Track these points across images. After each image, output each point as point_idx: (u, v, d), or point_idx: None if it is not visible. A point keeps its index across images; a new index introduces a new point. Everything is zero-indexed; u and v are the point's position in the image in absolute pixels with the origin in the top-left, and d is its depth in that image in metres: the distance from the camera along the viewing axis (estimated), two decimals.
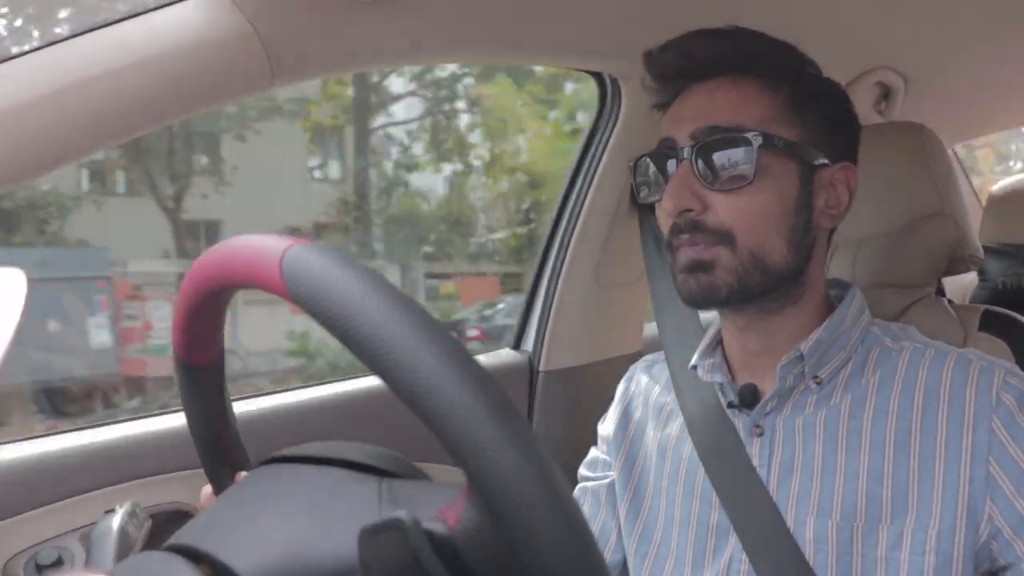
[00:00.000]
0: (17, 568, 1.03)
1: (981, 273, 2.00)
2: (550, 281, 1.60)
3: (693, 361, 0.99)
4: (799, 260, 0.88)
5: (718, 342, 0.99)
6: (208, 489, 0.72)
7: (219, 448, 0.66)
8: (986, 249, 1.59)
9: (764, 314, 0.90)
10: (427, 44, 1.15)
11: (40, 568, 1.03)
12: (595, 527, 1.07)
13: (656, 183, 0.92)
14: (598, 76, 1.47)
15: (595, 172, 1.52)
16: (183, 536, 0.49)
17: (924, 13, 1.44)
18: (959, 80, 1.81)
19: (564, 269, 1.57)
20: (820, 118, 0.89)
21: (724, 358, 0.97)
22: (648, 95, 0.95)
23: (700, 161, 0.85)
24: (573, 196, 1.56)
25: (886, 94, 1.68)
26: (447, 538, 0.41)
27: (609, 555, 1.05)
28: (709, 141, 0.85)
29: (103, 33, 0.85)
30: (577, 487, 1.13)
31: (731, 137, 0.84)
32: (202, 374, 0.60)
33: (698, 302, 0.89)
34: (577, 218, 1.55)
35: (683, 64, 0.90)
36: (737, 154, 0.84)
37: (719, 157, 0.85)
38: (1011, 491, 0.79)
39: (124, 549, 0.62)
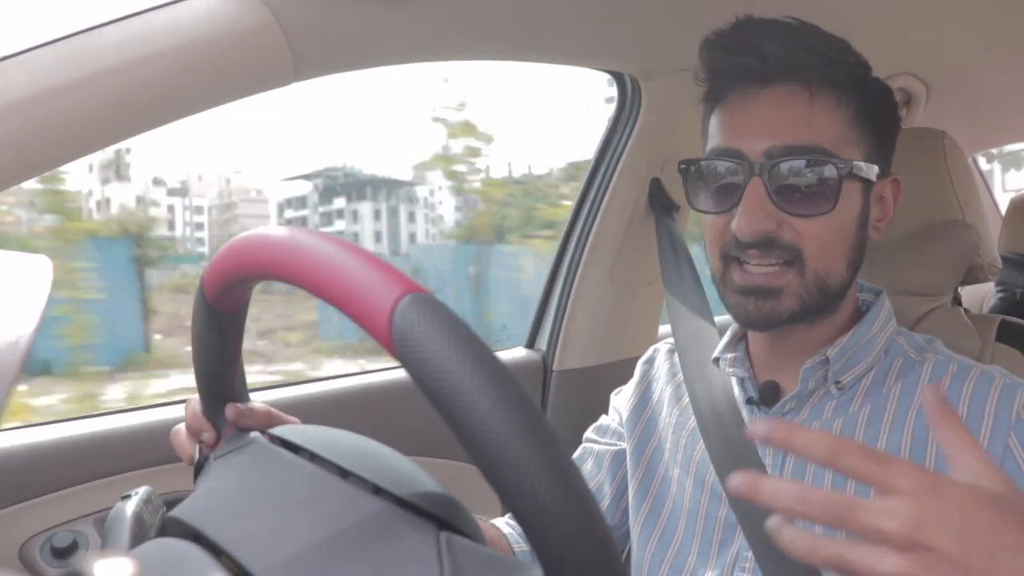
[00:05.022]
0: (33, 550, 1.04)
1: (999, 283, 1.99)
2: (565, 281, 1.60)
3: (715, 353, 0.99)
4: (851, 278, 0.87)
5: (742, 336, 0.98)
6: (194, 403, 0.72)
7: (224, 386, 0.67)
8: (1004, 259, 1.58)
9: (801, 324, 0.88)
10: (449, 42, 1.15)
11: (55, 551, 1.05)
12: (591, 486, 1.07)
13: (717, 193, 0.86)
14: (618, 76, 1.47)
15: (613, 173, 1.52)
16: (195, 513, 0.48)
17: (947, 20, 1.43)
18: (981, 88, 1.80)
19: (579, 269, 1.57)
20: (876, 131, 0.88)
21: (747, 353, 0.96)
22: (698, 86, 0.91)
23: (776, 182, 0.81)
24: (590, 196, 1.56)
25: (907, 100, 1.68)
26: None
27: None
28: (788, 163, 0.81)
29: (127, 23, 0.86)
30: (580, 447, 1.13)
31: (814, 160, 0.81)
32: (226, 318, 0.60)
33: (755, 326, 0.87)
34: (594, 218, 1.55)
35: (756, 65, 0.84)
36: (819, 180, 0.81)
37: (799, 180, 0.81)
38: None
39: (139, 535, 0.62)
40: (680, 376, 1.06)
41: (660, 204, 1.51)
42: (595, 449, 1.10)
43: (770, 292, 0.83)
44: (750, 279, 0.84)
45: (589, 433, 1.14)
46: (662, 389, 1.07)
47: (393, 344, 0.41)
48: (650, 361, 1.13)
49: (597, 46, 1.31)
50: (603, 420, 1.14)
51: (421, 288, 0.42)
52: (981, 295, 2.08)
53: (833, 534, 0.80)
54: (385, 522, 0.47)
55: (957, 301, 1.19)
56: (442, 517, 0.49)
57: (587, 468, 1.10)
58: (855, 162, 0.83)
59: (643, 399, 1.08)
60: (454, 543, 0.47)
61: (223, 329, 0.60)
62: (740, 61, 0.85)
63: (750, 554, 0.87)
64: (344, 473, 0.51)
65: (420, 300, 0.41)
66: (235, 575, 0.44)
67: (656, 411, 1.06)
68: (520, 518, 0.39)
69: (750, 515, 0.87)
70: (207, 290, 0.56)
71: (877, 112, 0.88)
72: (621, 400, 1.12)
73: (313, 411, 1.32)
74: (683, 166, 0.90)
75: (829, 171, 0.81)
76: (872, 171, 0.86)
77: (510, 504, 0.39)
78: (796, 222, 0.82)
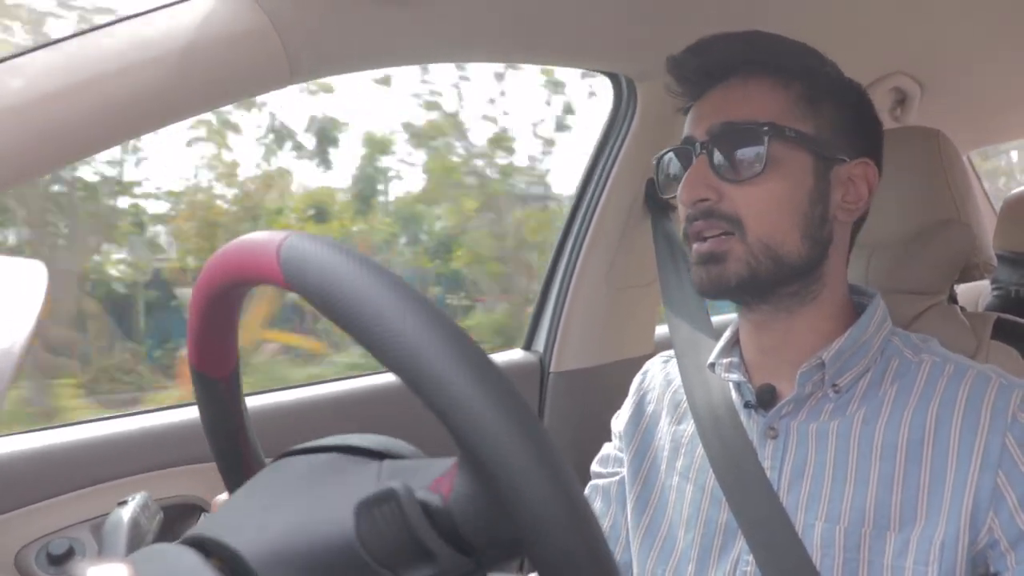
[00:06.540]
0: (29, 557, 1.04)
1: (994, 281, 1.99)
2: (562, 282, 1.60)
3: (711, 359, 1.00)
4: (814, 253, 0.89)
5: (736, 341, 0.99)
6: (223, 497, 0.71)
7: (237, 456, 0.66)
8: (999, 257, 1.58)
9: (781, 312, 0.91)
10: (444, 44, 1.15)
11: (52, 558, 1.04)
12: (605, 525, 1.08)
13: (676, 178, 0.95)
14: (613, 77, 1.47)
15: (609, 173, 1.52)
16: (196, 530, 0.49)
17: (941, 20, 1.44)
18: (975, 87, 1.81)
19: (576, 270, 1.57)
20: (837, 115, 0.90)
21: (742, 358, 0.97)
22: (672, 99, 0.97)
23: (714, 154, 0.88)
24: (587, 197, 1.56)
25: (902, 100, 1.68)
26: (441, 508, 0.42)
27: (620, 553, 1.05)
28: (722, 135, 0.88)
29: (123, 27, 0.86)
30: (588, 484, 1.13)
31: (742, 130, 0.87)
32: (219, 386, 0.60)
33: (709, 292, 0.90)
34: (590, 219, 1.55)
35: (699, 64, 0.92)
36: (748, 146, 0.87)
37: (731, 150, 0.87)
38: (1014, 506, 0.79)
39: (136, 541, 0.62)
40: (676, 384, 1.06)
41: (656, 205, 1.51)
42: (600, 484, 1.10)
43: (717, 257, 0.88)
44: (701, 248, 0.89)
45: (594, 466, 1.14)
46: (658, 399, 1.08)
47: (283, 276, 0.43)
48: (645, 373, 1.14)
49: (592, 47, 1.31)
50: (605, 449, 1.14)
51: (301, 232, 0.45)
52: (976, 293, 2.09)
53: (856, 537, 0.82)
54: (331, 465, 0.49)
55: (953, 299, 1.20)
56: (386, 453, 0.50)
57: (597, 506, 1.09)
58: (792, 129, 0.87)
59: (639, 410, 1.09)
60: (393, 464, 0.48)
61: (220, 398, 0.61)
62: (690, 65, 0.93)
63: (751, 558, 0.87)
64: (309, 451, 0.53)
65: (301, 235, 0.44)
66: (224, 573, 0.44)
67: (652, 421, 1.06)
68: (437, 413, 0.39)
69: (751, 519, 0.88)
70: (194, 360, 0.58)
71: (835, 97, 0.91)
72: (619, 420, 1.12)
73: (313, 414, 1.32)
74: (654, 161, 0.99)
75: (754, 135, 0.87)
76: (827, 148, 0.88)
77: (414, 386, 0.39)
78: (733, 191, 0.87)
